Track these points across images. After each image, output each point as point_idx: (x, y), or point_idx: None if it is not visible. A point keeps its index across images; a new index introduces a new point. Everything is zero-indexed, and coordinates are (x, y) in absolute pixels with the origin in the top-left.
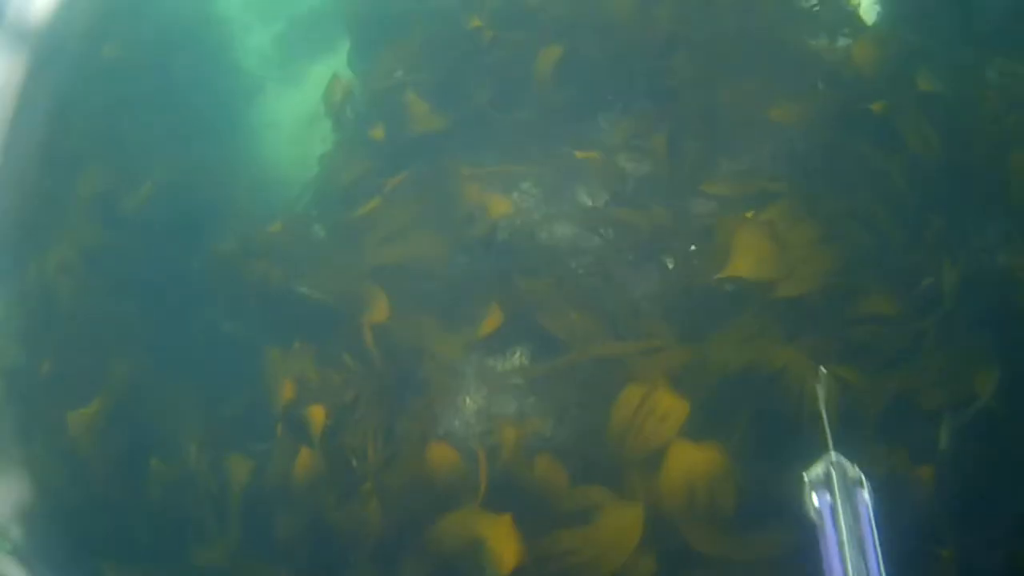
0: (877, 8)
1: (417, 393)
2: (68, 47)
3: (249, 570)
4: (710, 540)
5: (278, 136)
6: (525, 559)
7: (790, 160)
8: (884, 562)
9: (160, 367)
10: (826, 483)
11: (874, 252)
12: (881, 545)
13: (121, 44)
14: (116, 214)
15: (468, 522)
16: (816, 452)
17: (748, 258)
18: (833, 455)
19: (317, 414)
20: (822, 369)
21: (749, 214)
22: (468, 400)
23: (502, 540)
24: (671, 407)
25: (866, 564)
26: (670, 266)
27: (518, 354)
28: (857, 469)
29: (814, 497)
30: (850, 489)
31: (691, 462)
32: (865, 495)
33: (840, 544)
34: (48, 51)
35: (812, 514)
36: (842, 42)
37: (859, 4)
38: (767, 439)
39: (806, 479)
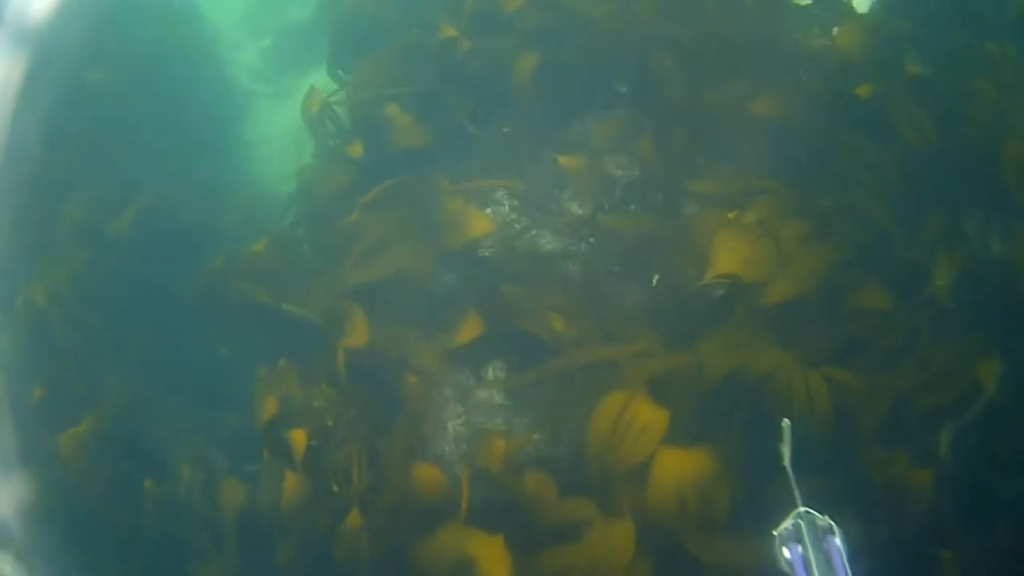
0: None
1: (400, 411)
2: (56, 67)
3: None
4: (704, 545)
5: (268, 152)
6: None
7: (779, 156)
8: None
9: (150, 388)
10: (796, 535)
11: (867, 248)
12: None
13: (109, 64)
14: (105, 236)
15: (457, 541)
16: (806, 456)
17: (736, 259)
18: (801, 509)
19: (299, 437)
20: (785, 421)
21: (732, 215)
22: (452, 415)
23: (493, 559)
24: (651, 418)
25: None
26: (656, 271)
27: (502, 365)
28: (827, 519)
29: (785, 551)
30: (820, 538)
31: (682, 467)
32: (837, 541)
33: None
34: (38, 71)
35: (784, 567)
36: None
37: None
38: (758, 443)
39: (775, 535)
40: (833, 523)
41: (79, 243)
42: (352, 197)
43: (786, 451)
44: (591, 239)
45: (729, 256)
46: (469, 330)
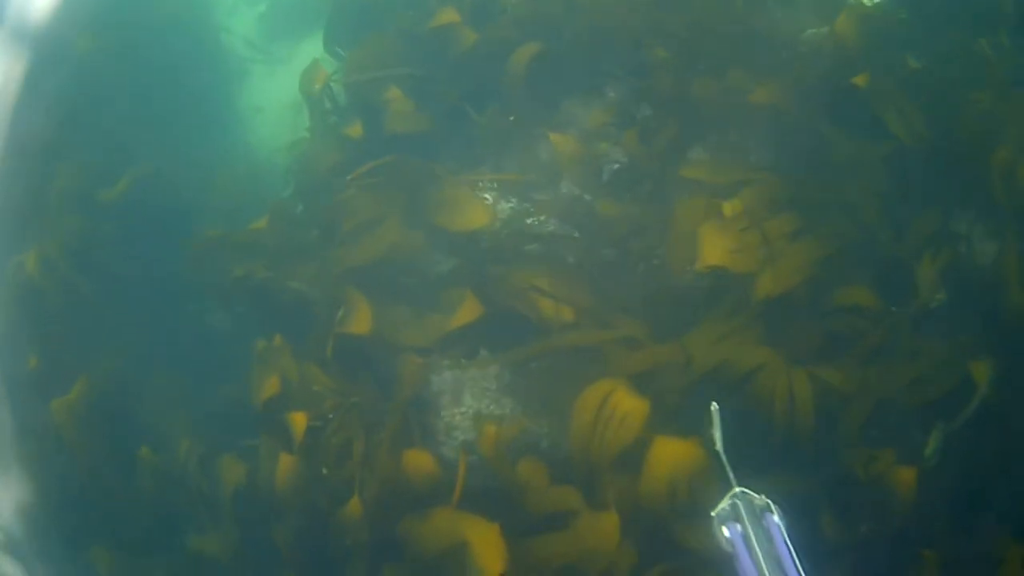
0: None
1: (396, 394)
2: (48, 33)
3: (246, 561)
4: (692, 533)
5: (264, 121)
6: (510, 563)
7: (770, 146)
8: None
9: (144, 357)
10: (734, 515)
11: (854, 244)
12: (802, 562)
13: (101, 29)
14: (97, 204)
15: (451, 525)
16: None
17: (722, 251)
18: (737, 489)
19: (299, 420)
20: (714, 405)
21: (726, 205)
22: (448, 398)
23: (486, 544)
24: (632, 408)
25: None
26: (644, 258)
27: (495, 351)
28: (763, 498)
29: (724, 530)
30: (759, 516)
31: (675, 457)
32: (775, 519)
33: (758, 566)
34: (40, 46)
35: (724, 545)
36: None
37: None
38: (743, 437)
39: (713, 516)
40: (770, 502)
41: (71, 211)
42: (348, 176)
43: (717, 435)
44: (581, 223)
45: (715, 247)
46: (467, 312)
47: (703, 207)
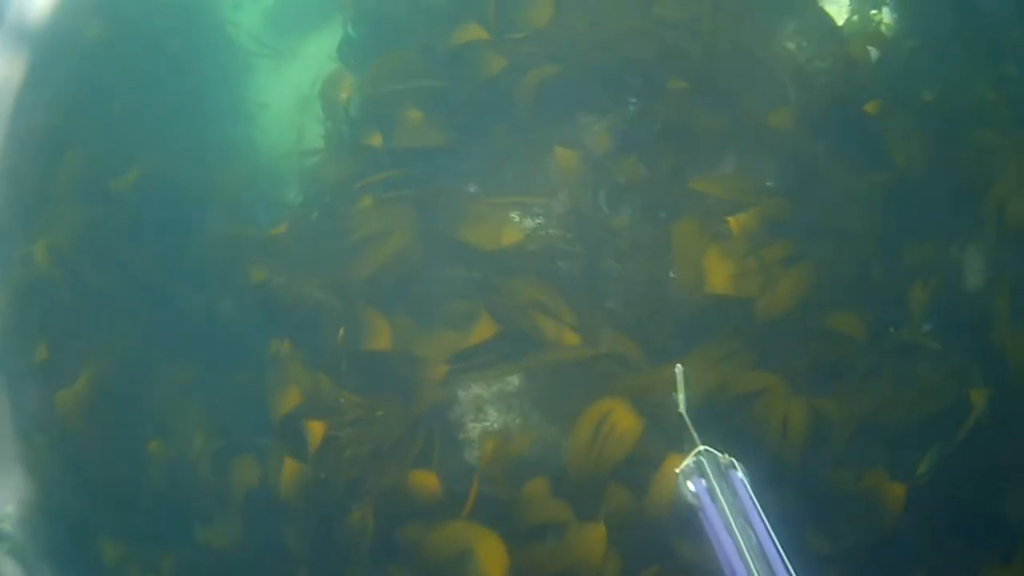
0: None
1: (409, 408)
2: (57, 27)
3: (255, 556)
4: (692, 549)
5: (269, 118)
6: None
7: (774, 172)
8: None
9: (155, 347)
10: (699, 471)
11: (849, 270)
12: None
13: (107, 18)
14: (106, 194)
15: (457, 535)
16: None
17: (726, 276)
18: (701, 447)
19: (316, 429)
20: (678, 367)
21: (733, 220)
22: (462, 414)
23: (490, 553)
24: (629, 427)
25: (754, 531)
26: (647, 279)
27: (505, 365)
28: (727, 456)
29: (689, 484)
30: (723, 472)
31: None
32: (740, 475)
33: (724, 518)
34: (45, 37)
35: (690, 499)
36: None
37: (881, 20)
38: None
39: (678, 472)
40: (734, 460)
41: (79, 201)
42: (365, 188)
43: (680, 397)
44: (589, 241)
45: (720, 274)
46: (483, 330)
47: (707, 227)
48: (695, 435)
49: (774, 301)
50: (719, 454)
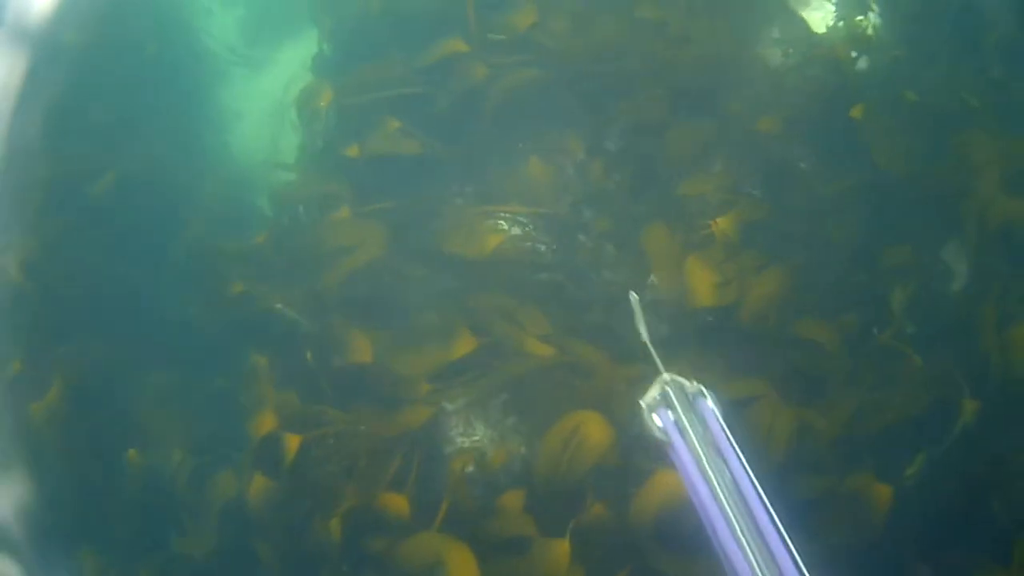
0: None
1: (386, 420)
2: (35, 34)
3: (230, 568)
4: (675, 564)
5: (243, 127)
6: None
7: (758, 177)
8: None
9: (130, 356)
10: (665, 402)
11: (830, 275)
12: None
13: (81, 23)
14: (82, 204)
15: (429, 546)
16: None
17: (709, 286)
18: (666, 375)
19: (292, 443)
20: (633, 295)
21: (718, 221)
22: (438, 427)
23: (461, 564)
24: (600, 439)
25: (726, 463)
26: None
27: (484, 380)
28: (695, 383)
29: (656, 418)
30: (692, 402)
31: (669, 489)
32: (710, 403)
33: (694, 452)
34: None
35: (658, 434)
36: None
37: (867, 25)
38: None
39: (643, 404)
40: (702, 387)
41: (55, 210)
42: (340, 198)
43: (641, 326)
44: (564, 251)
45: (703, 283)
46: (462, 345)
47: (687, 233)
48: (659, 363)
49: (755, 307)
50: (686, 382)
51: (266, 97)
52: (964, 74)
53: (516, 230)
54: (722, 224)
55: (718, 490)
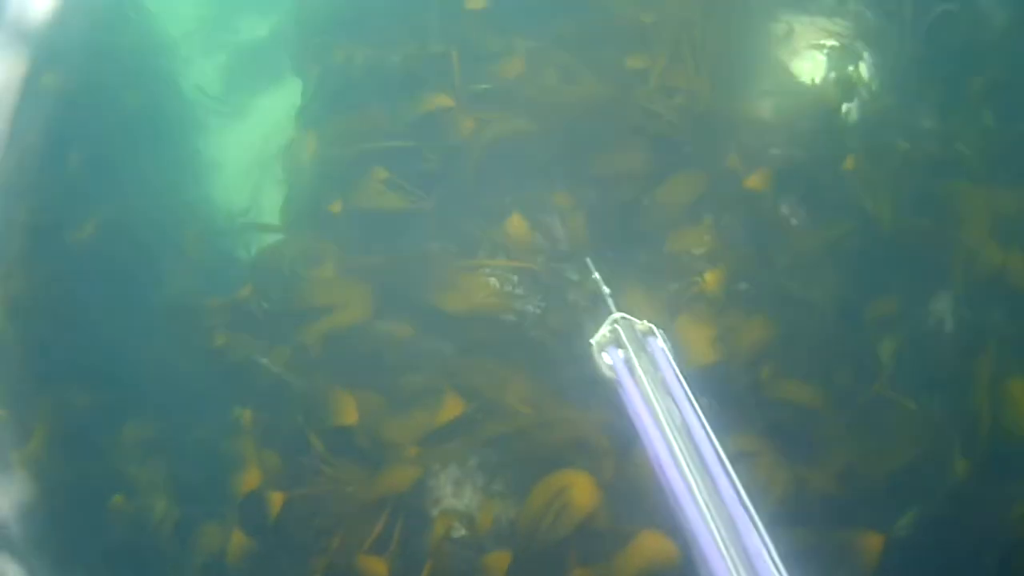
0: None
1: (371, 480)
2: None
3: None
4: None
5: (222, 177)
6: None
7: (744, 229)
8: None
9: (113, 401)
10: (615, 341)
11: (820, 327)
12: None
13: (64, 72)
14: (62, 249)
15: None
16: None
17: (708, 344)
18: (616, 314)
19: (275, 501)
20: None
21: (703, 277)
22: (424, 489)
23: None
24: (584, 501)
25: (675, 401)
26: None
27: (471, 444)
28: (646, 322)
29: (605, 356)
30: (641, 340)
31: (653, 551)
32: (659, 342)
33: (643, 389)
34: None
35: (606, 372)
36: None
37: (858, 77)
38: None
39: (593, 343)
40: (653, 326)
41: (38, 254)
42: (324, 254)
43: (596, 275)
44: (551, 308)
45: (701, 342)
46: (449, 409)
47: (678, 290)
48: (610, 302)
49: (745, 364)
50: (636, 321)
51: (245, 147)
52: (955, 122)
53: (501, 285)
54: (709, 279)
55: (665, 426)
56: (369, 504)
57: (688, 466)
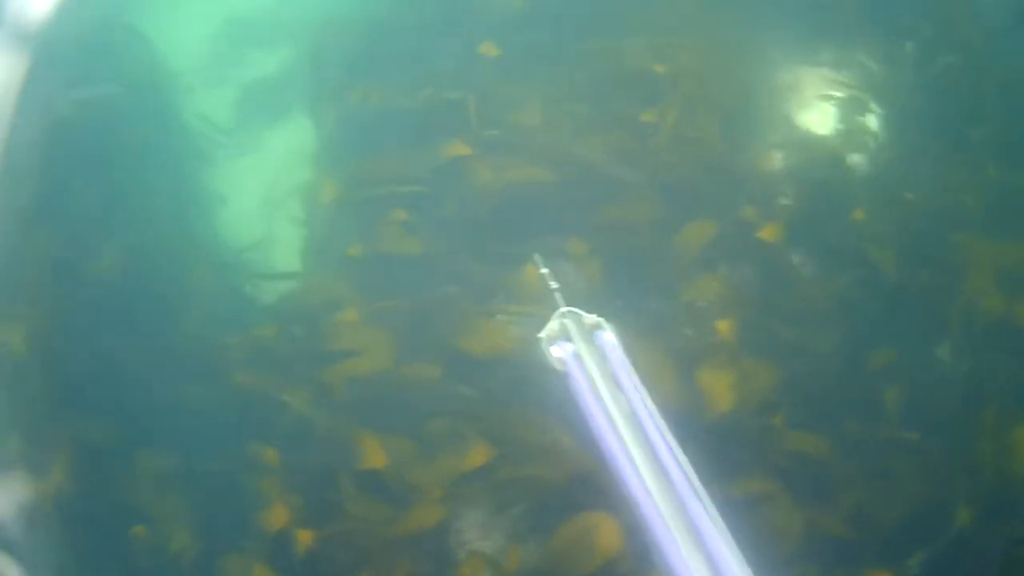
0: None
1: (393, 516)
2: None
3: None
4: None
5: (229, 212)
6: None
7: (755, 280)
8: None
9: (131, 434)
10: (563, 334)
11: (825, 377)
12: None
13: (74, 101)
14: (79, 280)
15: None
16: None
17: (729, 389)
18: (564, 308)
19: (304, 539)
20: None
21: (717, 325)
22: (452, 533)
23: None
24: (608, 542)
25: (624, 392)
26: None
27: (499, 488)
28: (594, 316)
29: (554, 350)
30: (590, 334)
31: None
32: (608, 335)
33: (591, 382)
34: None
35: (556, 365)
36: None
37: (867, 128)
38: None
39: (541, 336)
40: (601, 320)
41: (55, 283)
42: (346, 299)
43: (544, 270)
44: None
45: (721, 389)
46: (477, 456)
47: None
48: (558, 296)
49: (757, 409)
50: (584, 314)
51: (252, 182)
52: (959, 173)
53: (520, 331)
54: (723, 328)
55: (616, 421)
56: (396, 542)
57: (637, 454)
